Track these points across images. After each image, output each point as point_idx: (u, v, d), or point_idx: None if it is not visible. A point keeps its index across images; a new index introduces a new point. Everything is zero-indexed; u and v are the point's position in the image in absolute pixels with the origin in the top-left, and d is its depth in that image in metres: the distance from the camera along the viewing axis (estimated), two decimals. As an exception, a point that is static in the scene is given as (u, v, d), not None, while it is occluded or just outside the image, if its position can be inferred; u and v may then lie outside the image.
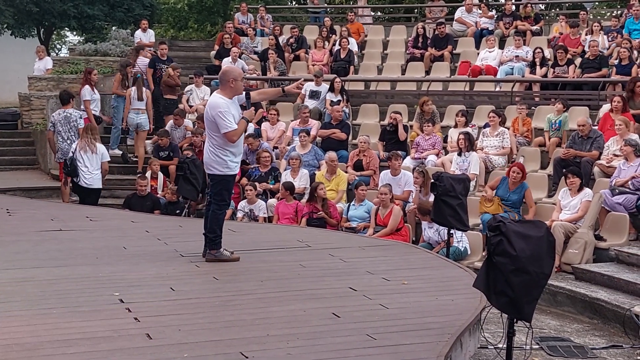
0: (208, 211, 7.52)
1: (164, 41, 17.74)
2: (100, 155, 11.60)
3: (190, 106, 15.35)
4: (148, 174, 12.67)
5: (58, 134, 12.61)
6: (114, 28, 23.04)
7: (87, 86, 14.11)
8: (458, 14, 18.77)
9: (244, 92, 7.48)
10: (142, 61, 16.37)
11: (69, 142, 12.41)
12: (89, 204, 11.52)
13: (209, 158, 7.36)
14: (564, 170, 10.78)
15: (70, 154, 11.56)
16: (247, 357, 4.67)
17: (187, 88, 15.67)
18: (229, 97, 7.31)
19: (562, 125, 12.66)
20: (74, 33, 33.41)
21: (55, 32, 31.13)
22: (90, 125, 12.22)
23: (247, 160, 13.04)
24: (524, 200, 10.92)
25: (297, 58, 17.85)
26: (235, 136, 7.24)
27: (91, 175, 11.49)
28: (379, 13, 28.03)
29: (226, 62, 15.95)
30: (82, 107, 14.07)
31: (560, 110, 12.80)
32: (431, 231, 10.50)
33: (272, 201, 11.93)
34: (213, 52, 17.95)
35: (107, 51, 18.48)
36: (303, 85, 8.37)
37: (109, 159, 12.11)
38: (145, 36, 17.97)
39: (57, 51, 39.58)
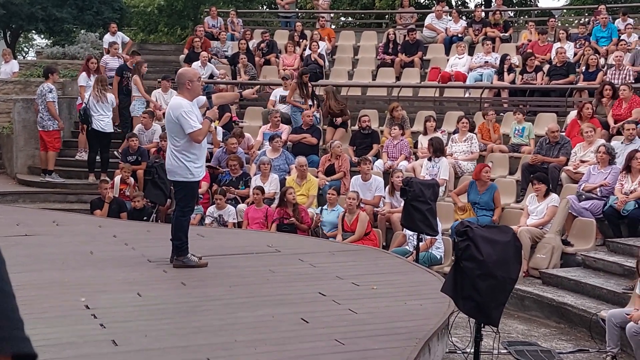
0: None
1: (139, 52, 17.52)
2: (110, 103, 13.52)
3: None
4: (117, 179, 12.50)
5: (39, 106, 14.01)
6: (82, 31, 22.84)
7: (84, 73, 14.62)
8: (428, 20, 18.88)
9: (205, 94, 7.42)
10: (108, 60, 16.14)
11: (42, 114, 13.92)
12: (102, 150, 13.60)
13: (172, 165, 7.28)
14: (531, 176, 10.87)
15: (84, 105, 13.48)
16: (214, 363, 4.65)
17: (153, 93, 15.45)
18: (189, 99, 7.27)
19: (527, 133, 12.77)
20: (42, 36, 33.15)
21: (22, 35, 30.81)
22: (100, 77, 13.79)
23: (220, 165, 12.96)
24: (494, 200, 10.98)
25: (267, 62, 17.81)
26: (201, 136, 7.19)
27: (103, 120, 13.38)
28: (349, 19, 28.10)
29: (195, 66, 15.83)
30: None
31: (521, 119, 12.92)
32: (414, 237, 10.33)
33: (242, 206, 11.86)
34: (182, 56, 17.83)
35: (75, 54, 18.33)
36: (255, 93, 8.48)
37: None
38: (113, 40, 17.76)
39: (24, 54, 39.19)
